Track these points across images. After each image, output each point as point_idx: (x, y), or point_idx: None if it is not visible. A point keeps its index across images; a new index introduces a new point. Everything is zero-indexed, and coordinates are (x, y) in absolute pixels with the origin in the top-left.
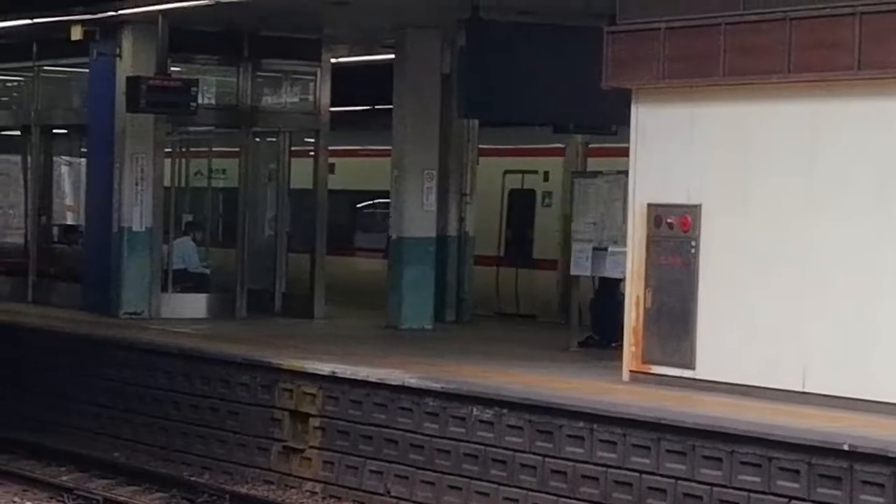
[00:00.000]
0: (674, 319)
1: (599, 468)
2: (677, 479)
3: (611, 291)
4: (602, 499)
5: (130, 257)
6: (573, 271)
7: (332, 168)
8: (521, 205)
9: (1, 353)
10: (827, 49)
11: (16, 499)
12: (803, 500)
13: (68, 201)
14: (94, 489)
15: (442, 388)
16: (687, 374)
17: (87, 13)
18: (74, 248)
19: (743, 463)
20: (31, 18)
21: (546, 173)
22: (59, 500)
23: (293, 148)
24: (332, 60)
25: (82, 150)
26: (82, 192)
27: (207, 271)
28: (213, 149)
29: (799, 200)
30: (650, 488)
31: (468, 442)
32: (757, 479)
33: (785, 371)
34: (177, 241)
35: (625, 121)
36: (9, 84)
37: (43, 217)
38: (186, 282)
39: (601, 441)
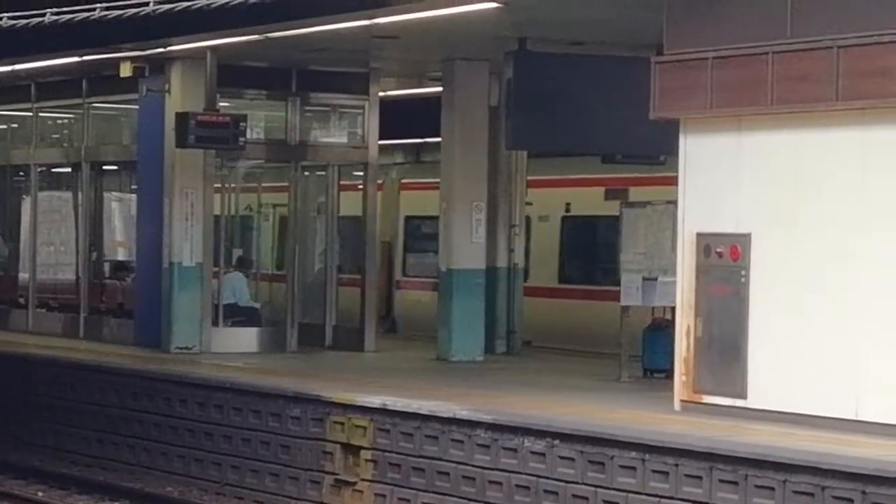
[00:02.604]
0: (724, 348)
1: (652, 498)
2: None
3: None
4: None
5: (181, 292)
6: (623, 301)
7: None
8: None
9: (52, 388)
10: (875, 76)
11: None
12: None
13: (119, 237)
14: None
15: (493, 419)
16: (738, 403)
17: (136, 50)
18: (125, 284)
19: (796, 492)
20: (81, 56)
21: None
22: None
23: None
24: (380, 94)
25: (132, 185)
26: (133, 228)
27: (258, 305)
28: (263, 184)
29: (850, 228)
30: None
31: (520, 473)
32: None
33: (838, 399)
34: (227, 275)
35: (673, 150)
36: (59, 121)
37: (94, 253)
38: (237, 316)
39: (653, 471)
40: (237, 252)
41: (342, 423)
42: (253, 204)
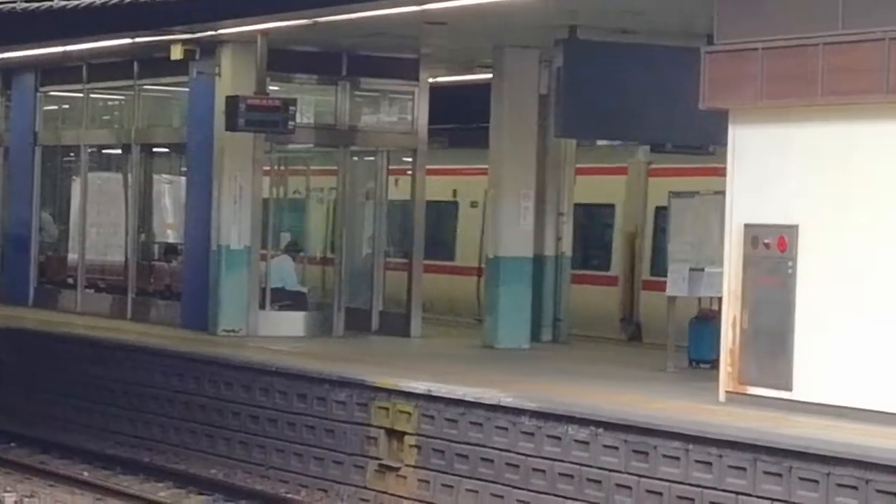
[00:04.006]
0: (771, 340)
1: (695, 489)
2: (773, 500)
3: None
4: None
5: (228, 275)
6: (669, 291)
7: None
8: None
9: (99, 369)
10: None
11: None
12: None
13: (168, 219)
14: None
15: (537, 407)
16: (784, 395)
17: (187, 32)
18: (173, 266)
19: (840, 485)
20: (133, 38)
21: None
22: None
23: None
24: (430, 80)
25: (182, 168)
26: (182, 210)
27: (305, 290)
28: (311, 167)
29: None
30: None
31: (563, 461)
32: (854, 502)
33: (884, 392)
34: (275, 259)
35: (721, 141)
36: (110, 103)
37: (143, 235)
38: (284, 300)
39: (697, 462)
40: (286, 236)
41: (387, 409)
42: (302, 187)
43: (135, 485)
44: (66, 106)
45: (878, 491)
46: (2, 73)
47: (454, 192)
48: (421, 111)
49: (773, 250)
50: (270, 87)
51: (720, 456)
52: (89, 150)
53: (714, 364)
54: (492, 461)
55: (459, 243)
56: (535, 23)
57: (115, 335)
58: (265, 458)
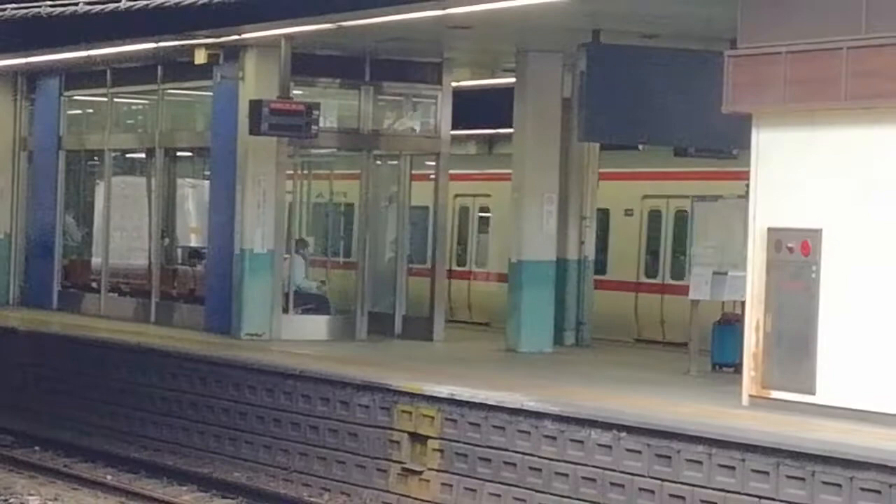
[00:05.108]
0: (794, 344)
1: (718, 493)
2: None
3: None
4: None
5: (252, 279)
6: (692, 295)
7: None
8: None
9: (123, 373)
10: None
11: None
12: None
13: (192, 223)
14: None
15: (560, 411)
16: (807, 398)
17: (211, 37)
18: (197, 270)
19: (863, 489)
20: (157, 42)
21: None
22: None
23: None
24: (453, 84)
25: (205, 172)
26: (205, 214)
27: (313, 285)
28: (335, 171)
29: None
30: None
31: (586, 465)
32: None
33: None
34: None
35: (745, 144)
36: (134, 107)
37: (166, 238)
38: (308, 303)
39: (720, 466)
40: (295, 236)
41: (410, 412)
42: (325, 192)
43: (158, 488)
44: (91, 110)
45: None
46: (27, 78)
47: None
48: (444, 115)
49: (796, 254)
50: (294, 92)
51: (743, 460)
52: (113, 155)
53: (737, 368)
54: (514, 465)
55: (612, 253)
56: (559, 27)
57: (138, 339)
58: (288, 461)
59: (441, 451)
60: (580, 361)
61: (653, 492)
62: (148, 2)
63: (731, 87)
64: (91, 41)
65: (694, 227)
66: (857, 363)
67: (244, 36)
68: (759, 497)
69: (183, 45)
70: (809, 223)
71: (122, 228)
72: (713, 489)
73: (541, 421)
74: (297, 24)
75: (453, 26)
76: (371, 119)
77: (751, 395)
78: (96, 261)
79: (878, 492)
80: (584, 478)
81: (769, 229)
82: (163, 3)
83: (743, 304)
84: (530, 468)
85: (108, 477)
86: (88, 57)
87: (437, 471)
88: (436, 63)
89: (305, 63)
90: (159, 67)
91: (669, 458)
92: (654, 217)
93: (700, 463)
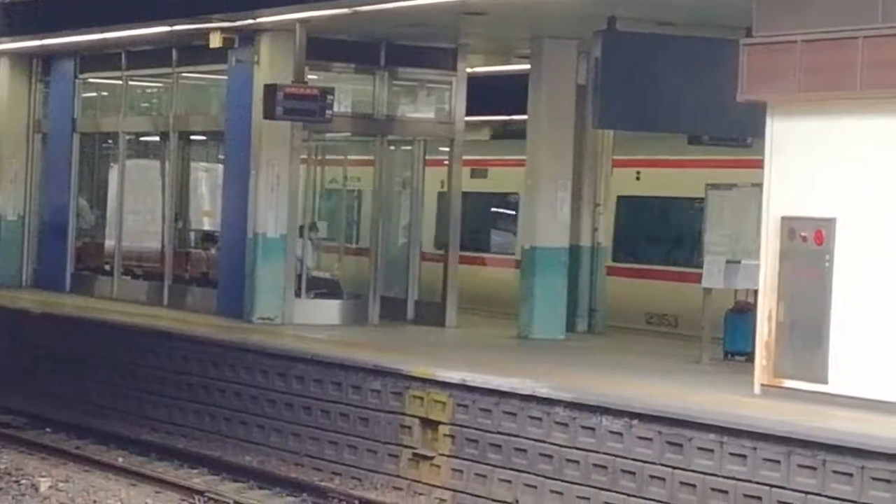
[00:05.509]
0: (806, 333)
1: (729, 481)
2: (807, 493)
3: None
4: None
5: (265, 263)
6: (705, 283)
7: None
8: None
9: (135, 356)
10: None
11: (148, 500)
12: None
13: (205, 207)
14: (225, 492)
15: (572, 398)
16: (819, 388)
17: (226, 21)
18: (210, 254)
19: (874, 478)
20: (172, 25)
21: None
22: (190, 503)
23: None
24: (468, 70)
25: (219, 156)
26: (219, 198)
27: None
28: (348, 156)
29: None
30: (780, 502)
31: (597, 452)
32: (888, 496)
33: None
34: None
35: (760, 133)
36: (148, 90)
37: (179, 222)
38: (320, 288)
39: (731, 454)
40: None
41: (421, 398)
42: (338, 177)
43: (169, 471)
44: (105, 93)
45: None
46: (41, 60)
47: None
48: (459, 101)
49: (809, 243)
50: (309, 76)
51: (754, 448)
52: (127, 138)
53: (749, 357)
54: (525, 451)
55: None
56: (574, 14)
57: (151, 322)
58: (299, 445)
59: (452, 436)
60: (592, 348)
61: (664, 479)
62: None
63: (745, 75)
64: (106, 24)
65: (707, 215)
66: (870, 352)
67: (259, 20)
68: (771, 486)
69: (198, 29)
70: (823, 212)
71: (136, 211)
72: (724, 477)
73: (552, 407)
74: (312, 9)
75: (469, 12)
76: (385, 104)
77: (763, 384)
78: (109, 243)
79: (889, 481)
80: (595, 465)
81: (783, 218)
82: None
83: (756, 292)
84: (541, 455)
85: (120, 459)
86: (103, 40)
87: (448, 456)
88: (451, 49)
89: (320, 48)
90: (174, 51)
91: (681, 445)
92: None
93: (711, 451)
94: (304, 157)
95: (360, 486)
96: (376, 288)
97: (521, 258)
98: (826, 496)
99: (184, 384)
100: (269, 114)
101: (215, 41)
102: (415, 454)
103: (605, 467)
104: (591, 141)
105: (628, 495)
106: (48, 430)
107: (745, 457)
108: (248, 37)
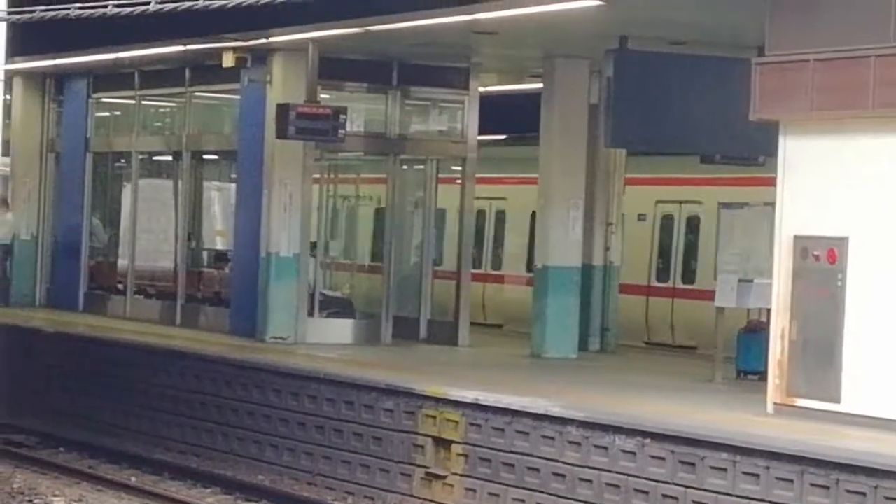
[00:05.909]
0: (819, 352)
1: (742, 500)
2: None
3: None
4: None
5: (277, 282)
6: (718, 302)
7: None
8: None
9: (148, 375)
10: None
11: None
12: None
13: (217, 226)
14: None
15: (585, 417)
16: (832, 407)
17: (239, 40)
18: (222, 273)
19: (887, 498)
20: (185, 45)
21: None
22: None
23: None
24: (480, 89)
25: (232, 175)
26: (232, 218)
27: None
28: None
29: None
30: None
31: (610, 472)
32: None
33: None
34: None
35: (772, 152)
36: (161, 110)
37: (192, 241)
38: (333, 307)
39: (744, 473)
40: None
41: (434, 417)
42: (351, 195)
43: (182, 490)
44: (118, 112)
45: None
46: (55, 80)
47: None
48: (471, 120)
49: (822, 262)
50: (321, 96)
51: (767, 468)
52: (140, 157)
53: (762, 375)
54: (538, 470)
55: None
56: (586, 33)
57: (164, 341)
58: (312, 465)
59: (465, 455)
60: (605, 367)
61: (676, 499)
62: (177, 4)
63: (758, 94)
64: (119, 44)
65: (720, 234)
66: (883, 372)
67: (272, 39)
68: None
69: (211, 49)
70: (836, 231)
71: (149, 231)
72: (737, 496)
73: (565, 427)
74: (324, 29)
75: (480, 32)
76: (398, 123)
77: (775, 403)
78: (122, 263)
79: None
80: (608, 484)
81: (795, 237)
82: (191, 6)
83: (768, 311)
84: (554, 474)
85: (133, 478)
86: (116, 59)
87: (461, 475)
88: (463, 68)
89: (333, 67)
90: (187, 70)
91: (693, 465)
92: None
93: (724, 470)
94: (317, 176)
95: None
96: (389, 307)
97: (534, 277)
98: None
99: (197, 403)
100: (281, 133)
101: (228, 61)
102: (428, 473)
103: (617, 486)
104: (604, 160)
105: None
106: (61, 449)
107: (757, 476)
108: (261, 56)
